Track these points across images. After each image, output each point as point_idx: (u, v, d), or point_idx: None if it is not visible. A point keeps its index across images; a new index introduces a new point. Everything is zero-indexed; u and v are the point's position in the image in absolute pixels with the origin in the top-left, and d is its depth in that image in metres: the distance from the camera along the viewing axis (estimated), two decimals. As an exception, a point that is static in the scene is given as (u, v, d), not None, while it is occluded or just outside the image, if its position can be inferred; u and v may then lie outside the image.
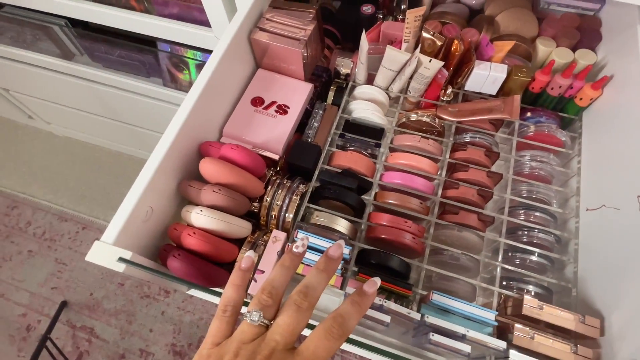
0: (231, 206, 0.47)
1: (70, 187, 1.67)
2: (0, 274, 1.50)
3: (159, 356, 1.37)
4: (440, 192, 0.55)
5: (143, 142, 1.49)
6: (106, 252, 0.39)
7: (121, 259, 0.38)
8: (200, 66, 0.98)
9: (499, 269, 0.50)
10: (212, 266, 0.44)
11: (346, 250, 0.48)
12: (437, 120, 0.60)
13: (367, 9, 0.65)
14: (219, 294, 0.39)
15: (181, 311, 1.42)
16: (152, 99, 1.10)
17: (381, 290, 0.47)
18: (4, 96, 1.48)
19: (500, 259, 0.51)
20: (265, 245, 0.50)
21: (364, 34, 0.58)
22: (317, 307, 0.53)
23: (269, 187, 0.55)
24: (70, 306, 1.44)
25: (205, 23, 0.76)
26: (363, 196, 0.57)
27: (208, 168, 0.46)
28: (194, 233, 0.43)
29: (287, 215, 0.53)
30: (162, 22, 0.79)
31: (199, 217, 0.44)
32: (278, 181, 0.56)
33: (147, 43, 0.97)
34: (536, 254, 0.51)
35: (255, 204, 0.54)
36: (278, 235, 0.49)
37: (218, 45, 0.54)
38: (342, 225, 0.52)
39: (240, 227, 0.47)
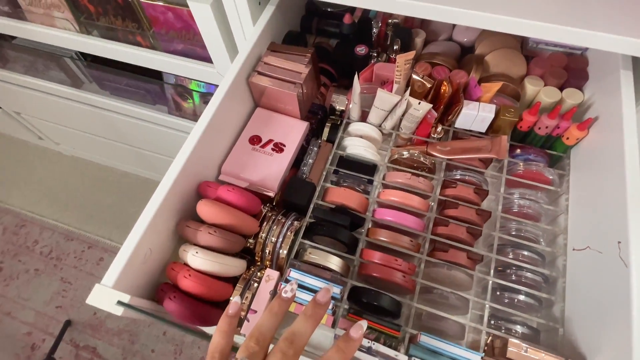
0: (226, 247, 0.49)
1: (78, 206, 1.70)
2: (7, 292, 1.53)
3: (160, 375, 1.38)
4: (430, 228, 0.57)
5: (150, 164, 1.53)
6: (106, 296, 0.41)
7: (120, 303, 0.40)
8: (203, 95, 1.02)
9: (487, 308, 0.51)
10: (206, 307, 0.46)
11: (337, 290, 0.50)
12: (428, 157, 0.62)
13: (361, 49, 0.68)
14: (210, 337, 0.41)
15: (182, 332, 1.43)
16: (157, 125, 1.14)
17: (370, 330, 0.49)
18: (16, 118, 1.54)
19: (488, 298, 0.52)
20: (259, 283, 0.52)
21: (356, 78, 0.61)
22: (309, 344, 0.55)
23: (265, 223, 0.57)
24: (74, 325, 1.46)
25: (208, 59, 0.79)
26: (357, 231, 0.59)
27: (205, 210, 0.48)
28: (190, 275, 0.45)
29: (281, 251, 0.55)
30: (167, 58, 0.83)
31: (195, 259, 0.46)
32: (273, 217, 0.58)
33: (153, 73, 1.01)
34: (524, 294, 0.52)
35: (251, 241, 0.56)
36: (271, 274, 0.51)
37: (218, 88, 0.57)
38: (334, 262, 0.54)
39: (235, 266, 0.49)
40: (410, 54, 0.59)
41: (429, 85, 0.60)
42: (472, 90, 0.61)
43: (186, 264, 0.48)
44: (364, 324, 0.35)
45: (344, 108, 0.70)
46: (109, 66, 1.06)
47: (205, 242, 0.48)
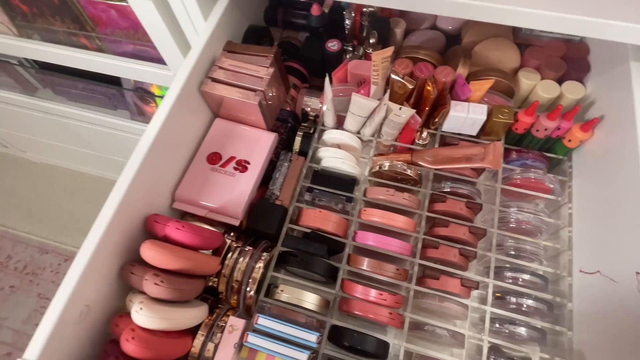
0: (178, 297, 0.41)
1: (51, 216, 1.61)
2: (-19, 312, 1.45)
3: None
4: (419, 252, 0.50)
5: (122, 168, 1.43)
6: (27, 376, 0.34)
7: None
8: (167, 98, 0.92)
9: (485, 345, 0.45)
10: (158, 371, 0.39)
11: (313, 338, 0.43)
12: (413, 167, 0.54)
13: (333, 45, 0.60)
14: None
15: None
16: (121, 131, 1.04)
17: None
18: (-27, 129, 1.42)
19: (486, 332, 0.46)
20: (223, 331, 0.45)
21: (327, 80, 0.52)
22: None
23: (230, 254, 0.50)
24: (55, 343, 1.39)
25: (161, 61, 0.70)
26: (338, 255, 0.52)
27: (150, 255, 0.41)
28: (133, 338, 0.37)
29: (248, 290, 0.48)
30: (117, 61, 0.73)
31: (139, 317, 0.38)
32: (239, 248, 0.50)
33: (110, 77, 0.91)
34: (526, 325, 0.46)
35: (214, 279, 0.49)
36: (235, 324, 0.43)
37: (165, 97, 0.48)
38: (310, 301, 0.47)
39: (191, 318, 0.42)
40: (388, 51, 0.50)
41: (410, 87, 0.52)
42: (460, 89, 0.53)
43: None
44: None
45: (318, 113, 0.61)
46: (62, 71, 0.95)
47: (151, 293, 0.40)
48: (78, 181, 1.66)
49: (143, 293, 0.42)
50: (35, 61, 0.99)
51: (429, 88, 0.52)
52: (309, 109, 0.62)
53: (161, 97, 0.90)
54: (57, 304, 0.37)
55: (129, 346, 0.37)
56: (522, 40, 0.62)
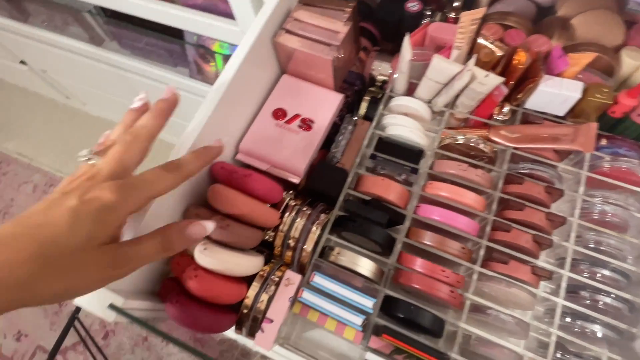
0: (240, 243, 0.41)
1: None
2: (37, 249, 1.57)
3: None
4: (488, 233, 0.47)
5: (173, 130, 1.47)
6: (96, 296, 0.35)
7: (112, 307, 0.34)
8: (227, 58, 0.92)
9: (553, 338, 0.42)
10: (214, 312, 0.39)
11: (369, 303, 0.41)
12: (488, 143, 0.51)
13: (413, 5, 0.56)
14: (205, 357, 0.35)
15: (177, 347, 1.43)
16: (178, 89, 1.06)
17: (407, 355, 0.41)
18: (42, 77, 1.51)
19: (556, 326, 0.42)
20: (277, 283, 0.44)
21: (406, 39, 0.49)
22: (332, 352, 0.48)
23: (287, 213, 0.49)
24: (99, 286, 1.49)
25: (230, 15, 0.69)
26: (394, 229, 0.50)
27: (217, 199, 0.40)
28: (196, 276, 0.38)
29: (305, 247, 0.47)
30: (185, 13, 0.73)
31: (203, 257, 0.38)
32: (297, 207, 0.49)
33: (175, 32, 0.92)
34: (601, 323, 0.42)
35: (270, 233, 0.48)
36: (291, 278, 0.43)
37: (238, 49, 0.47)
38: (366, 267, 0.45)
39: (250, 265, 0.42)
40: (479, 12, 0.46)
41: (499, 54, 0.47)
42: (555, 61, 0.48)
43: (194, 260, 0.41)
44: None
45: (386, 78, 0.58)
46: (129, 22, 0.97)
47: (216, 236, 0.40)
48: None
49: (205, 238, 0.42)
50: (104, 11, 1.02)
51: (520, 57, 0.47)
52: (377, 74, 0.59)
53: (221, 54, 0.90)
54: (127, 234, 0.38)
55: (191, 283, 0.37)
56: (628, 17, 0.55)
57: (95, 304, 0.35)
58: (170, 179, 0.31)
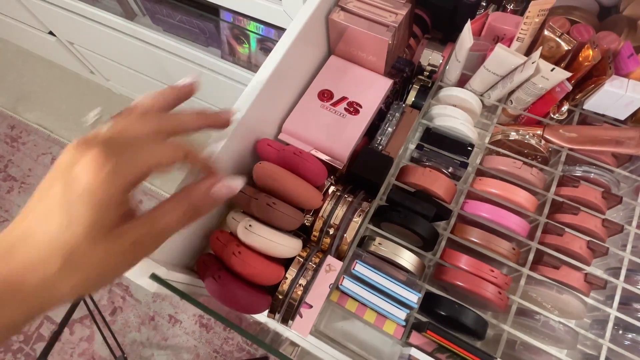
0: (284, 223, 0.40)
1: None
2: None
3: (185, 324, 1.39)
4: (539, 235, 0.44)
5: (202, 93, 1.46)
6: (138, 265, 0.33)
7: (154, 277, 0.32)
8: (260, 40, 0.90)
9: (604, 349, 0.40)
10: (252, 292, 0.38)
11: (414, 297, 0.39)
12: (543, 142, 0.48)
13: (472, -7, 0.53)
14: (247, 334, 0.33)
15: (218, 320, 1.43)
16: (208, 70, 1.05)
17: (450, 354, 0.39)
18: (69, 49, 1.50)
19: (608, 337, 0.40)
20: (314, 269, 0.42)
21: (468, 25, 0.47)
22: (361, 346, 0.46)
23: (327, 199, 0.47)
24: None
25: (275, -6, 0.67)
26: (436, 224, 0.48)
27: (264, 175, 0.39)
28: (239, 253, 0.36)
29: (345, 235, 0.45)
30: (228, -11, 0.71)
31: (248, 234, 0.37)
32: (338, 193, 0.47)
33: (210, 10, 0.90)
34: (658, 339, 0.40)
35: (309, 217, 0.47)
36: (333, 264, 0.41)
37: (292, 24, 0.45)
38: (408, 260, 0.43)
39: (291, 247, 0.40)
40: (549, 2, 0.44)
41: (566, 48, 0.45)
42: (624, 61, 0.46)
43: (235, 237, 0.39)
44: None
45: (435, 68, 0.56)
46: (163, -3, 0.96)
47: (261, 214, 0.38)
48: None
49: (248, 213, 0.40)
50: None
51: (588, 53, 0.45)
52: (426, 62, 0.57)
53: (255, 32, 0.88)
54: (171, 203, 0.36)
55: (235, 260, 0.36)
56: (700, 19, 0.52)
57: (136, 272, 0.33)
58: (172, 148, 0.25)
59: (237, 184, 0.28)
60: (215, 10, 0.90)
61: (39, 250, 0.21)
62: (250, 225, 0.37)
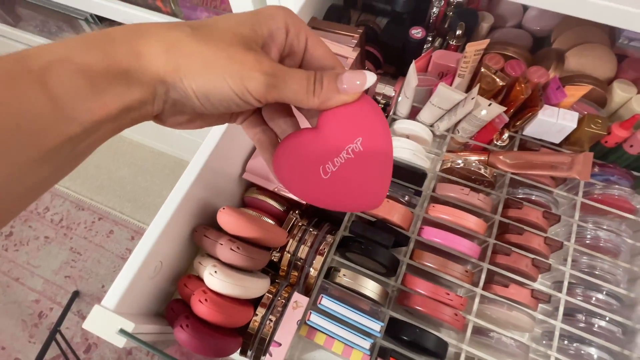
0: (249, 265, 0.41)
1: (90, 175, 1.66)
2: (17, 257, 1.51)
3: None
4: (488, 256, 0.48)
5: (164, 137, 1.46)
6: (106, 320, 0.34)
7: (122, 332, 0.33)
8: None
9: (552, 359, 0.43)
10: (222, 336, 0.39)
11: (377, 326, 0.42)
12: (488, 168, 0.52)
13: (417, 32, 0.58)
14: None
15: None
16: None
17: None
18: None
19: (554, 349, 0.44)
20: (283, 305, 0.44)
21: (412, 66, 0.51)
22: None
23: (293, 232, 0.49)
24: (82, 296, 1.44)
25: (235, 32, 0.69)
26: (397, 250, 0.51)
27: (227, 221, 0.40)
28: (206, 300, 0.37)
29: (311, 270, 0.47)
30: (189, 28, 0.73)
31: (213, 280, 0.38)
32: (303, 227, 0.50)
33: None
34: (596, 346, 0.44)
35: (276, 254, 0.49)
36: (299, 300, 0.43)
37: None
38: (371, 289, 0.46)
39: (258, 288, 0.42)
40: (484, 43, 0.48)
41: (501, 84, 0.49)
42: (553, 92, 0.51)
43: (202, 282, 0.40)
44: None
45: (389, 100, 0.60)
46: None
47: (225, 258, 0.40)
48: (118, 145, 1.70)
49: (213, 257, 0.42)
50: (100, 19, 1.00)
51: (520, 87, 0.49)
52: (380, 96, 0.61)
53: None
54: (138, 256, 0.37)
55: (201, 307, 0.37)
56: (618, 51, 0.58)
57: (104, 327, 0.34)
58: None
59: (371, 78, 0.23)
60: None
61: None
62: (215, 272, 0.38)
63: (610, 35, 0.57)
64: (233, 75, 0.21)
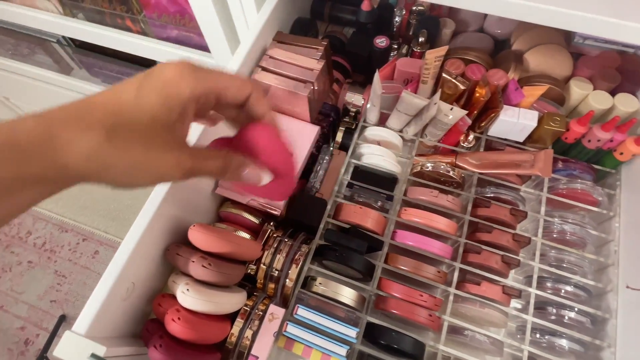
0: (223, 281, 0.42)
1: (72, 196, 1.63)
2: (0, 284, 1.48)
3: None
4: (460, 256, 0.49)
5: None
6: (77, 346, 0.34)
7: (94, 356, 0.33)
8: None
9: (525, 353, 0.44)
10: (198, 354, 0.39)
11: (353, 333, 0.42)
12: (456, 170, 0.54)
13: (381, 41, 0.59)
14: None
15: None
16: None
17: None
18: (5, 104, 1.45)
19: (527, 342, 0.45)
20: (261, 318, 0.45)
21: (376, 76, 0.52)
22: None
23: (268, 243, 0.50)
24: (69, 321, 1.41)
25: (205, 48, 0.70)
26: (373, 253, 0.51)
27: (197, 237, 0.41)
28: (179, 318, 0.38)
29: (287, 281, 0.48)
30: (159, 45, 0.74)
31: (185, 298, 0.38)
32: (279, 238, 0.50)
33: (148, 61, 0.92)
34: (567, 338, 0.45)
35: (252, 267, 0.49)
36: (275, 312, 0.43)
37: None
38: (347, 296, 0.47)
39: (233, 303, 0.42)
40: (442, 50, 0.50)
41: (462, 88, 0.51)
42: (512, 93, 0.53)
43: (176, 301, 0.41)
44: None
45: (359, 109, 0.61)
46: (99, 52, 0.96)
47: (198, 275, 0.40)
48: (100, 163, 1.68)
49: (186, 275, 0.42)
50: (72, 40, 1.00)
51: (480, 90, 0.51)
52: (350, 105, 0.62)
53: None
54: (107, 279, 0.37)
55: (174, 326, 0.37)
56: (574, 49, 0.60)
57: (75, 353, 0.34)
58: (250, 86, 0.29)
59: (265, 179, 0.31)
60: (152, 61, 0.92)
61: (89, 121, 0.23)
62: (187, 290, 0.39)
63: (565, 35, 0.60)
64: (154, 178, 0.25)
